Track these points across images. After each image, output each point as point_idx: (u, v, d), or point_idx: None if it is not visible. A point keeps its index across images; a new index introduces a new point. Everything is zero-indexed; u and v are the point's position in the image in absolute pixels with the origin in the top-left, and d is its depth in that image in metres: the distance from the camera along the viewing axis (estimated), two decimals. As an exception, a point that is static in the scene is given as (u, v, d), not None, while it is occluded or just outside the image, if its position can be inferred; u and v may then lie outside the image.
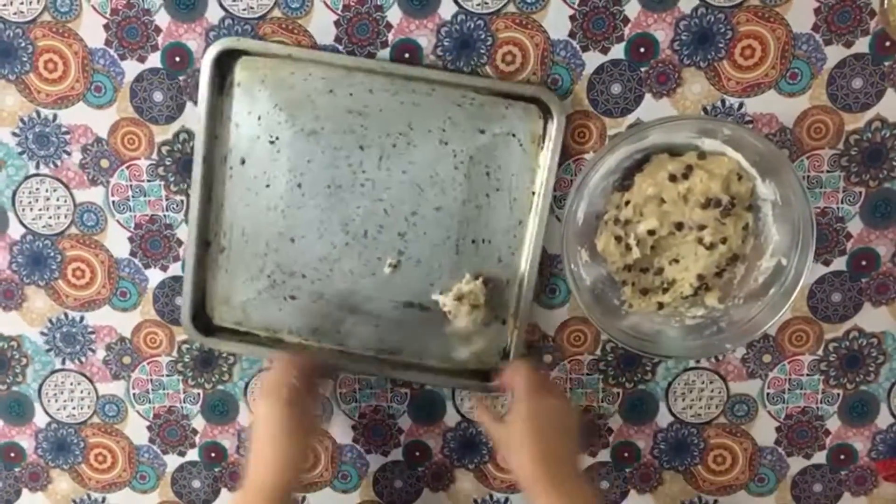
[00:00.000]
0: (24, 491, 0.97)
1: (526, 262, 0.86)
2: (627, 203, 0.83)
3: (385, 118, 0.85)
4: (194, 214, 0.86)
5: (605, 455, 0.94)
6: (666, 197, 0.82)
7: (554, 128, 0.82)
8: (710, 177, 0.81)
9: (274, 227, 0.88)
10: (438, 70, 0.84)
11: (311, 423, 0.85)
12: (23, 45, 0.84)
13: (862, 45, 0.82)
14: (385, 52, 0.84)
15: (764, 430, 0.92)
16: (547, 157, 0.83)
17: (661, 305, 0.86)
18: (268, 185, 0.87)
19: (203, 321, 0.90)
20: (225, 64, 0.84)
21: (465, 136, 0.84)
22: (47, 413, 0.95)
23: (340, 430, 0.94)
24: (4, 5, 0.83)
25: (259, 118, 0.85)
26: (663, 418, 0.92)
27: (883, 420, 0.92)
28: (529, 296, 0.86)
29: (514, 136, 0.84)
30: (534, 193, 0.85)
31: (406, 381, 0.92)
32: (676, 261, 0.85)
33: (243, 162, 0.86)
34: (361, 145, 0.85)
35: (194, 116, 0.85)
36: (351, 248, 0.88)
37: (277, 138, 0.86)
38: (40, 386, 0.94)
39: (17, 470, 0.97)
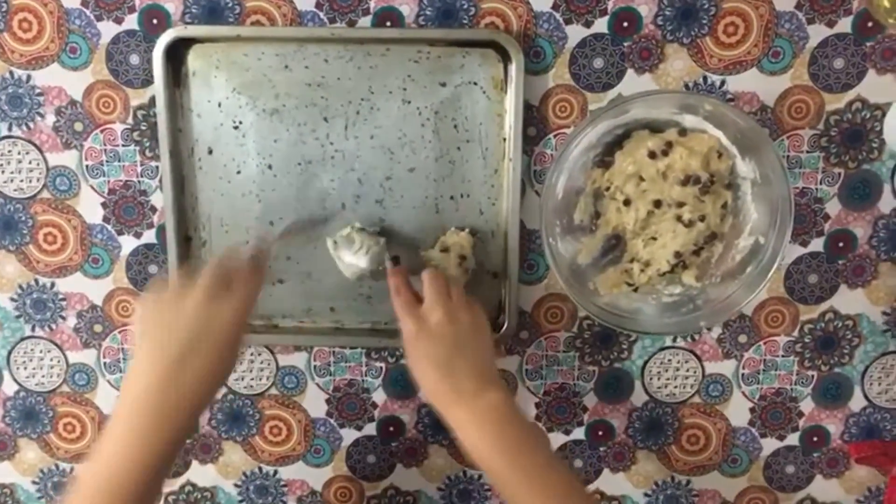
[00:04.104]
0: (-7, 459, 0.96)
1: (507, 209, 0.85)
2: (609, 188, 0.83)
3: (345, 86, 0.84)
4: (170, 212, 0.85)
5: (579, 433, 0.93)
6: (645, 174, 0.82)
7: (514, 68, 0.81)
8: (690, 154, 0.81)
9: (251, 213, 0.87)
10: (389, 28, 0.83)
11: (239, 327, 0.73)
12: (-4, 3, 0.83)
13: (844, 24, 0.81)
14: (367, 20, 0.82)
15: (738, 411, 0.92)
16: (511, 100, 0.82)
17: (634, 288, 0.86)
18: (239, 171, 0.86)
19: None
20: (176, 55, 0.83)
21: (427, 91, 0.84)
22: (16, 381, 0.93)
23: (314, 404, 0.93)
24: (-22, -38, 0.82)
25: (219, 105, 0.85)
26: (638, 397, 0.92)
27: (856, 403, 0.92)
28: (516, 244, 0.85)
29: (475, 84, 0.83)
30: (504, 139, 0.84)
31: (383, 354, 0.91)
32: (654, 238, 0.84)
33: (211, 151, 0.86)
34: (325, 117, 0.84)
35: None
36: (331, 222, 0.87)
37: (241, 122, 0.85)
38: (9, 353, 0.92)
39: (-13, 438, 0.95)
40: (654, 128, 0.83)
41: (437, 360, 0.74)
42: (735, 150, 0.82)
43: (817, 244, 0.87)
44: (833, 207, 0.86)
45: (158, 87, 0.82)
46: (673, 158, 0.81)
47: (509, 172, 0.84)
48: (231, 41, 0.83)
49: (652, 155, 0.81)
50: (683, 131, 0.82)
